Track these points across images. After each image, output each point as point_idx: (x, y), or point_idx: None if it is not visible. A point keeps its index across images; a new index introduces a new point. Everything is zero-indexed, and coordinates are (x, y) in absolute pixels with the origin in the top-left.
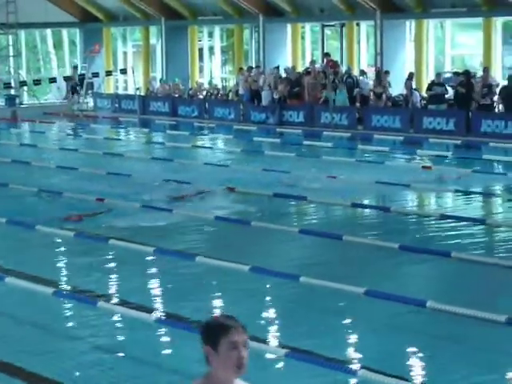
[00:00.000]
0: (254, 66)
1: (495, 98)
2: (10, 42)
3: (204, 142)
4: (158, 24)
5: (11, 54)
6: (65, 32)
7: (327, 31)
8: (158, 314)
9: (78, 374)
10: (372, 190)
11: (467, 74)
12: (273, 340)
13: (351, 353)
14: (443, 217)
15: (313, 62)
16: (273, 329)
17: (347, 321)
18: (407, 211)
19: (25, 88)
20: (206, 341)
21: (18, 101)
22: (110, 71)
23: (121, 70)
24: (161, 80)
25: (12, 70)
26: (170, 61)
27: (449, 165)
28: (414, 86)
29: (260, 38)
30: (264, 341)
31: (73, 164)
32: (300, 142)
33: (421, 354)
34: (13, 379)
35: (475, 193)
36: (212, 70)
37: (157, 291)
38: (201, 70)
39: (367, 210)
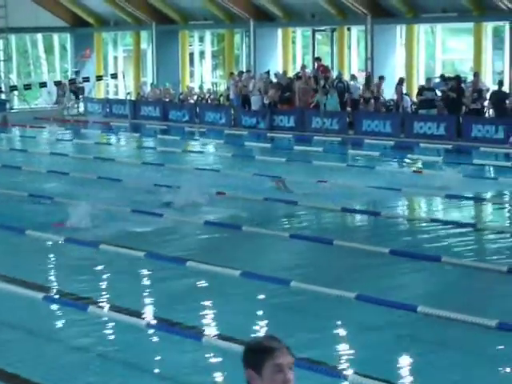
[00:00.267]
0: (244, 70)
1: (485, 102)
2: (1, 47)
3: (195, 146)
4: (149, 29)
5: (1, 58)
6: (56, 37)
7: (318, 36)
8: (149, 318)
9: (67, 378)
10: (363, 194)
11: (458, 79)
12: None
13: (342, 357)
14: (434, 221)
15: (304, 67)
16: (263, 333)
17: (338, 325)
18: (398, 216)
19: (15, 93)
20: (249, 364)
21: (8, 105)
22: (101, 76)
23: (111, 74)
24: (151, 84)
25: (2, 75)
26: (160, 65)
27: (439, 169)
28: (404, 91)
29: (251, 42)
30: None
31: (63, 169)
32: (291, 147)
33: (412, 359)
34: None
35: (466, 197)
36: (203, 74)
37: (147, 296)
38: (191, 74)
39: (358, 215)
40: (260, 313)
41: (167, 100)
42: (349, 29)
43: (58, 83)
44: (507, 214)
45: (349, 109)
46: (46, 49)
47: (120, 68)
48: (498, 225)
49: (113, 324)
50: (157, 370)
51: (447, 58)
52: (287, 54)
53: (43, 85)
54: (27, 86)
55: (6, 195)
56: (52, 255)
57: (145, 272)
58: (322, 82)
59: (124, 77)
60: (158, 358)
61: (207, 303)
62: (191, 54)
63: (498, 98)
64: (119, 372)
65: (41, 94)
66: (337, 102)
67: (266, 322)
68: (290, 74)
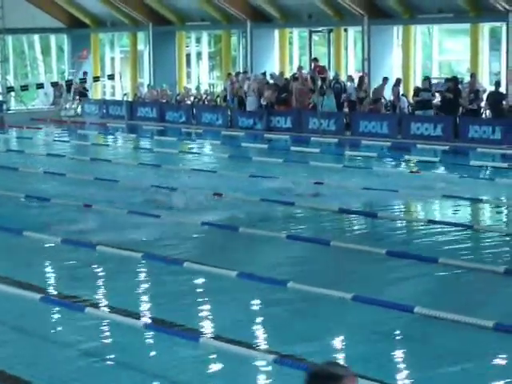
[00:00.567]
0: (241, 71)
1: (482, 103)
2: None
3: (192, 147)
4: (146, 30)
5: None
6: (52, 38)
7: (315, 37)
8: (146, 319)
9: (65, 379)
10: (360, 195)
11: (455, 80)
12: (261, 345)
13: (338, 358)
14: (431, 222)
15: (300, 68)
16: (260, 334)
17: (335, 326)
18: (395, 217)
19: (12, 94)
20: None
21: (5, 107)
22: (98, 77)
23: (108, 75)
24: (148, 86)
25: None
26: (157, 66)
27: (437, 170)
28: (401, 92)
29: (248, 43)
30: (252, 346)
31: (60, 170)
32: (288, 148)
33: (409, 360)
34: None
35: (463, 198)
36: (199, 75)
37: (145, 297)
38: (188, 75)
39: (355, 216)
40: (257, 313)
41: (164, 101)
42: (345, 30)
43: (54, 84)
44: (504, 215)
45: (346, 110)
46: (42, 50)
47: (117, 69)
48: (495, 226)
49: (110, 325)
50: (154, 371)
51: (444, 58)
52: (284, 54)
53: (40, 86)
54: (24, 87)
55: (3, 196)
56: (49, 256)
57: (142, 273)
58: (318, 83)
59: (121, 78)
60: (155, 358)
61: (204, 304)
62: (188, 55)
63: (495, 98)
64: (116, 373)
65: (37, 95)
66: (333, 103)
67: (262, 322)
68: (287, 74)
